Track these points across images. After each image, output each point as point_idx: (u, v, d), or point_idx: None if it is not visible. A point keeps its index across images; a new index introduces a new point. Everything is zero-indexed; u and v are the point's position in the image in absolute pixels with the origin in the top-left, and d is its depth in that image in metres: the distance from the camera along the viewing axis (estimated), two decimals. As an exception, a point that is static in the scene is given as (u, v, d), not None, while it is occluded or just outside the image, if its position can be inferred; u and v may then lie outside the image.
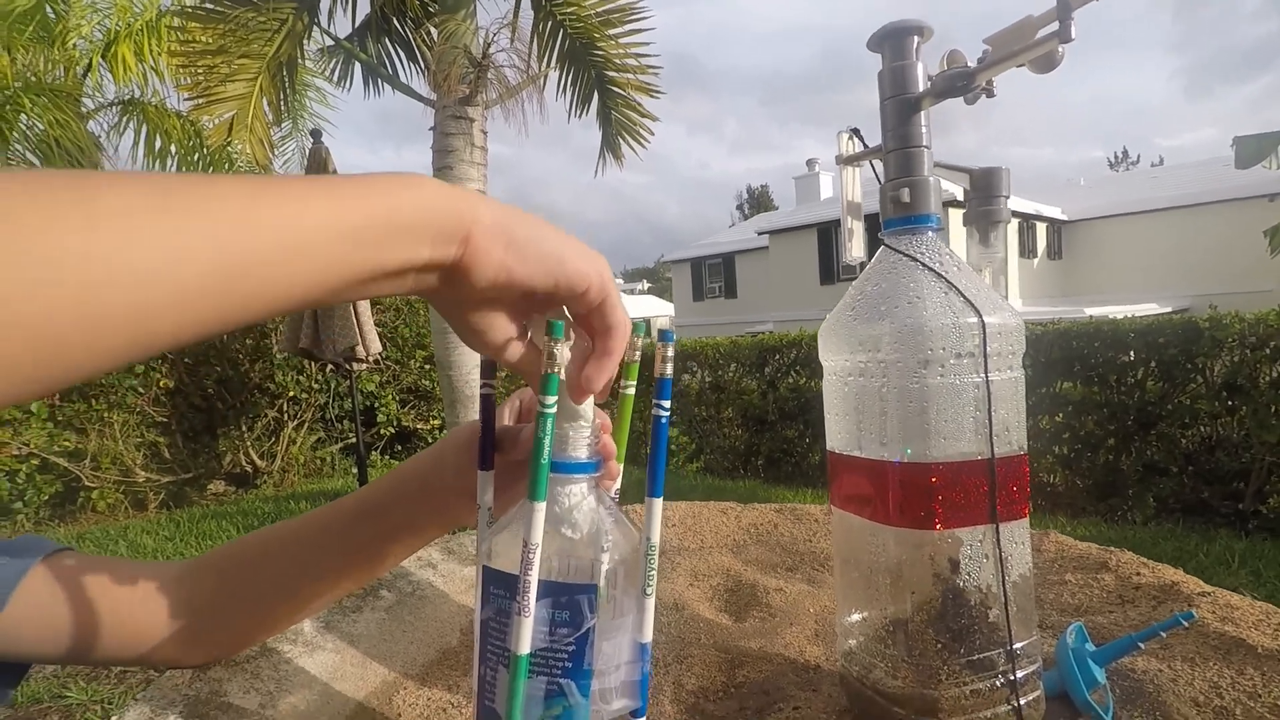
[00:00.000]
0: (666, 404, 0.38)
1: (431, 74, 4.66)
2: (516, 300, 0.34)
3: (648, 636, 0.39)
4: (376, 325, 5.69)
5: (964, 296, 0.44)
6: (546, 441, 0.34)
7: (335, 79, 5.62)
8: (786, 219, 21.54)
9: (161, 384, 5.30)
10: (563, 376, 0.35)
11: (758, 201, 49.40)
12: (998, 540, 0.44)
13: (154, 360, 5.24)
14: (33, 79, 6.23)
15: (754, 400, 6.65)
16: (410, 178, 0.31)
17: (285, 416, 5.94)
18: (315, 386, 6.03)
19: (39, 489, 4.69)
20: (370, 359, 5.15)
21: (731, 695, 0.56)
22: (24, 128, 6.02)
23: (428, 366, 6.67)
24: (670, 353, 0.37)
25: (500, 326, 0.35)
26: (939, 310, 0.44)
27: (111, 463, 5.03)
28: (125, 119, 6.95)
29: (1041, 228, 19.36)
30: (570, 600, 0.36)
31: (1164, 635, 0.49)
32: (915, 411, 0.44)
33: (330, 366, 5.53)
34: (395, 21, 5.32)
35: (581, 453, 0.37)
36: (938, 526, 0.44)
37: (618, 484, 0.42)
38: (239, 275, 0.25)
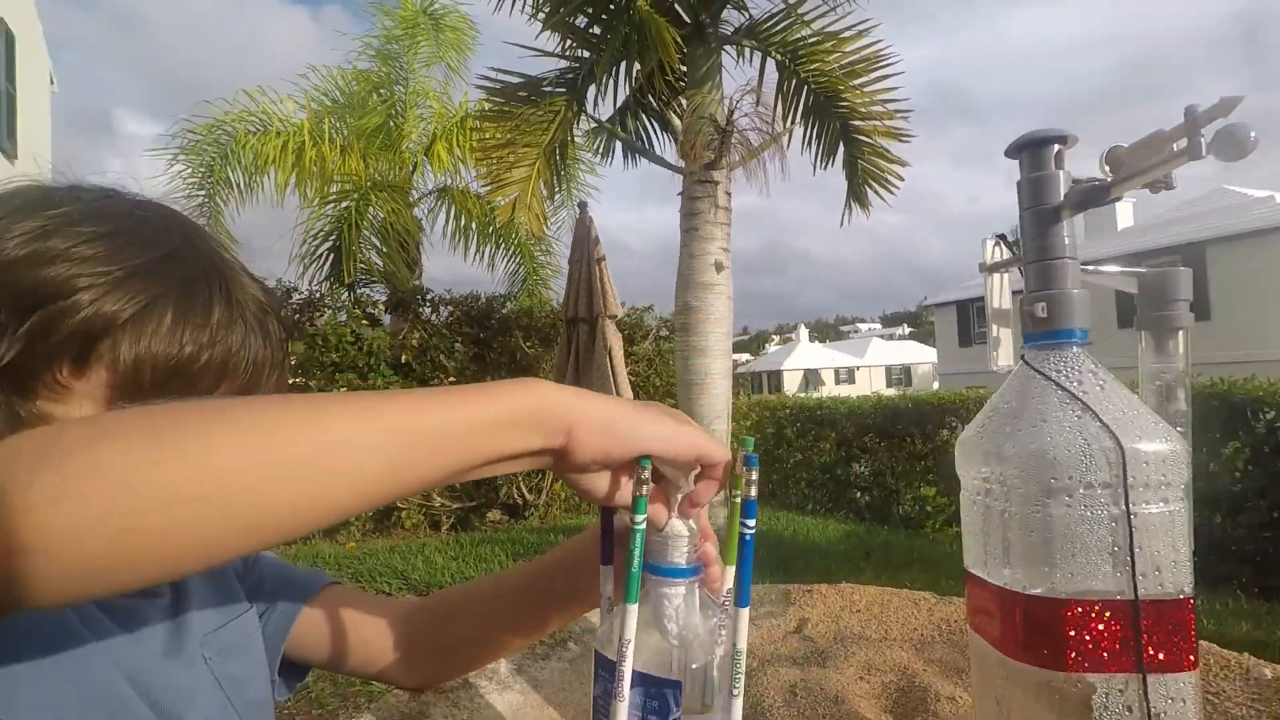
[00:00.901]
0: (751, 523, 0.42)
1: (679, 144, 5.01)
2: (623, 467, 0.42)
3: (737, 732, 0.42)
4: (630, 375, 6.14)
5: (1100, 420, 0.41)
6: (636, 552, 0.40)
7: (599, 155, 6.29)
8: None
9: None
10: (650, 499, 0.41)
11: (1038, 236, 44.19)
12: (1144, 691, 0.40)
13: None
14: (378, 178, 7.86)
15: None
16: (527, 384, 0.40)
17: (551, 456, 6.60)
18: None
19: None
20: (622, 407, 5.56)
21: (871, 806, 0.55)
22: (370, 217, 7.60)
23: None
24: (754, 476, 0.41)
25: (602, 486, 0.43)
26: (1068, 434, 0.42)
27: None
28: (439, 204, 8.44)
29: None
30: (658, 692, 0.41)
31: None
32: (1038, 541, 0.42)
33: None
34: (649, 97, 5.83)
35: (680, 559, 0.42)
36: (1070, 667, 0.41)
37: (728, 585, 0.46)
38: (402, 471, 0.36)
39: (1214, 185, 18.29)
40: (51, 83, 11.12)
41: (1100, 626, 0.40)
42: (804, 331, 48.77)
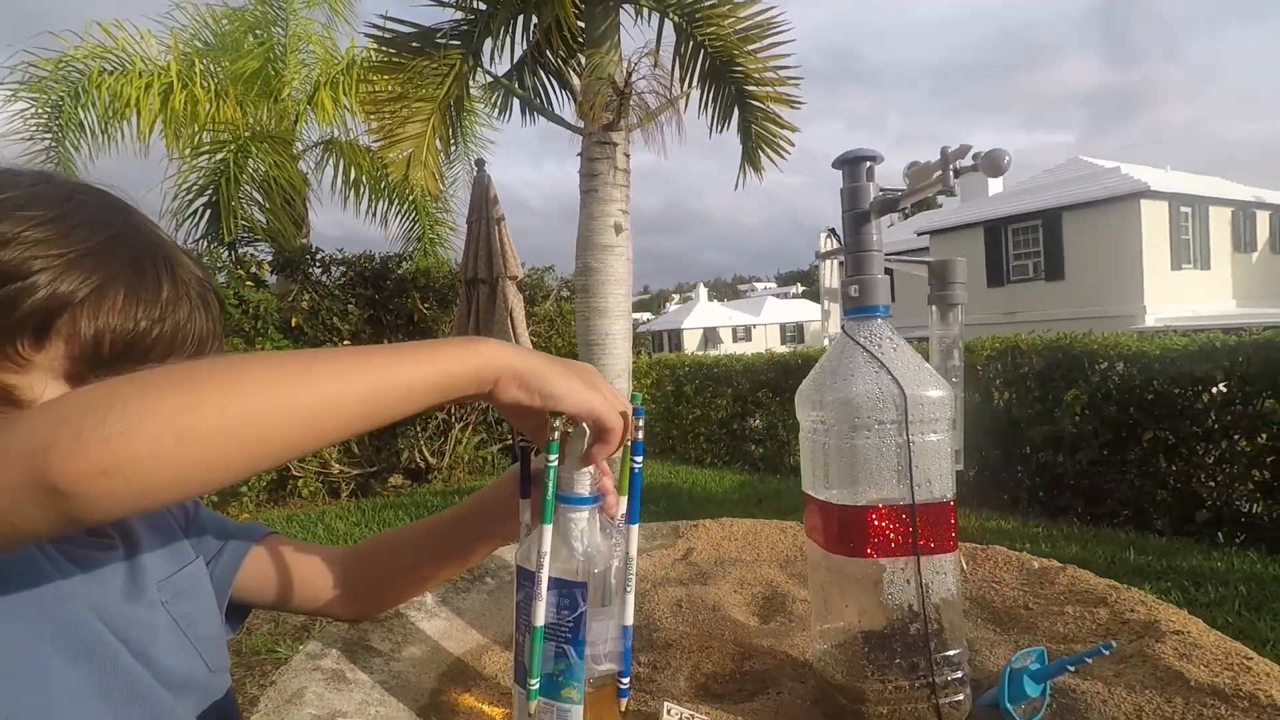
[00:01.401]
0: (639, 459, 0.55)
1: (578, 104, 5.03)
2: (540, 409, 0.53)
3: (629, 620, 0.55)
4: (531, 335, 6.18)
5: (891, 374, 0.56)
6: (550, 484, 0.52)
7: (496, 111, 6.18)
8: (950, 218, 20.34)
9: (352, 388, 6.09)
10: (563, 440, 0.52)
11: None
12: (919, 569, 0.56)
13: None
14: (258, 128, 7.38)
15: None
16: (472, 343, 0.51)
17: (453, 419, 6.60)
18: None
19: (259, 476, 5.58)
20: (524, 367, 5.62)
21: (736, 680, 0.70)
22: (251, 170, 7.15)
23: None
24: (640, 423, 0.53)
25: (523, 422, 0.54)
26: (869, 385, 0.56)
27: (313, 456, 5.86)
28: (326, 156, 8.03)
29: (1264, 217, 16.88)
30: (569, 592, 0.53)
31: (1089, 661, 0.57)
32: (847, 465, 0.56)
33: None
34: (548, 54, 5.76)
35: (583, 490, 0.54)
36: (869, 554, 0.56)
37: (622, 510, 0.58)
38: (374, 410, 0.46)
39: (1071, 156, 19.85)
40: None
41: (889, 525, 0.56)
42: (703, 290, 49.70)
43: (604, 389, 0.54)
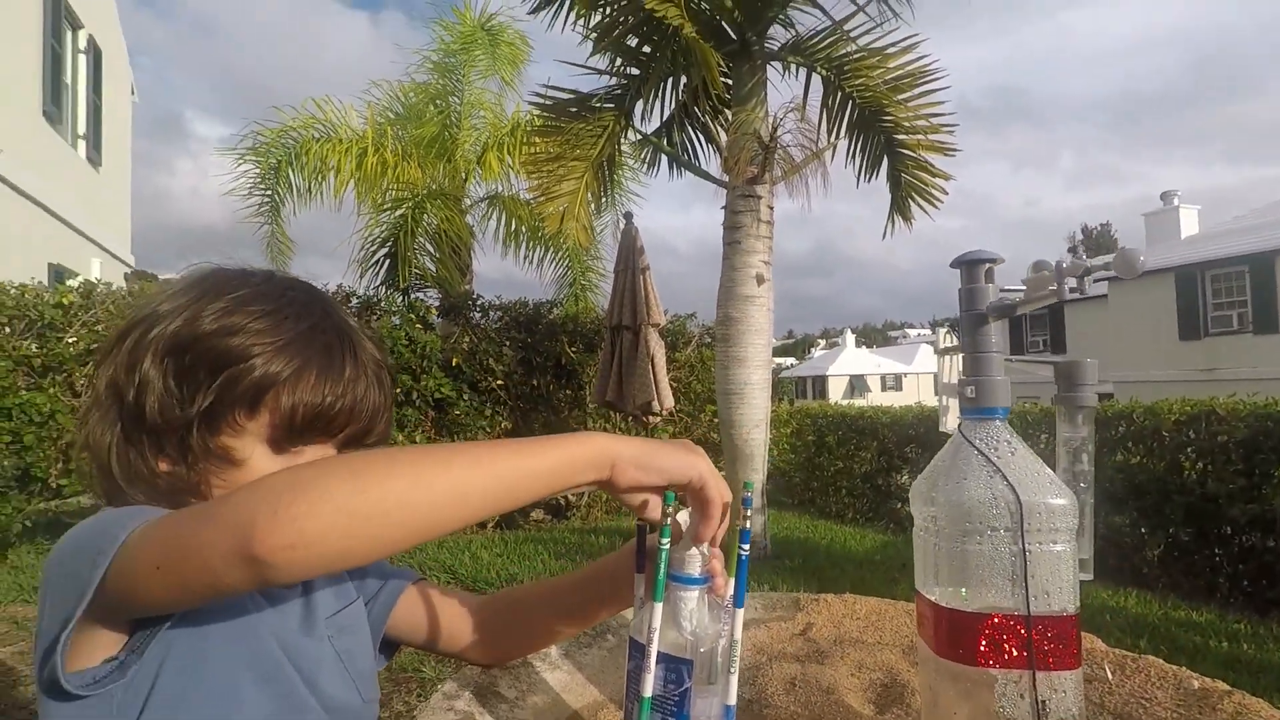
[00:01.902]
0: (746, 546, 0.58)
1: (723, 159, 5.15)
2: (654, 489, 0.58)
3: (732, 700, 0.57)
4: (672, 382, 6.29)
5: (1006, 480, 0.56)
6: (662, 565, 0.56)
7: (645, 167, 6.46)
8: (1132, 263, 18.43)
9: (502, 425, 6.48)
10: (676, 525, 0.56)
11: (1096, 242, 42.93)
12: (1034, 684, 0.54)
13: (498, 405, 6.44)
14: (433, 186, 8.18)
15: (1067, 478, 5.86)
16: (584, 437, 0.56)
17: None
18: (618, 433, 6.83)
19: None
20: (664, 412, 5.74)
21: (844, 771, 0.69)
22: (425, 224, 7.92)
23: (716, 420, 7.13)
24: (749, 511, 0.57)
25: (639, 503, 0.59)
26: (982, 490, 0.56)
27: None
28: (490, 210, 8.73)
29: None
30: (675, 668, 0.56)
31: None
32: (958, 569, 0.56)
33: (630, 417, 6.23)
34: (695, 111, 5.96)
35: (694, 571, 0.58)
36: (980, 664, 0.55)
37: (729, 591, 0.61)
38: (504, 493, 0.53)
39: (1286, 193, 17.47)
40: (133, 93, 11.81)
41: (1003, 634, 0.55)
42: (850, 336, 48.13)
43: (708, 462, 0.59)
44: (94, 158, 9.72)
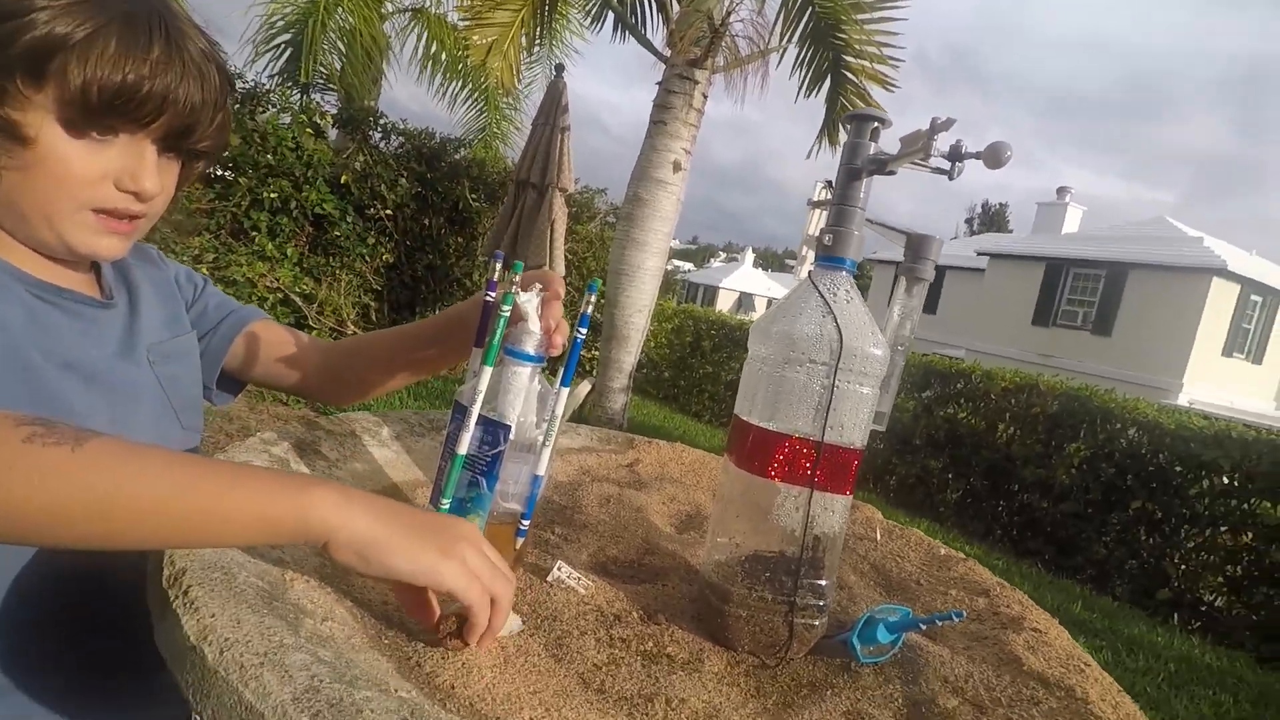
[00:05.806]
0: (584, 330, 0.59)
1: (669, 33, 4.92)
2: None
3: (542, 471, 0.61)
4: (567, 254, 6.21)
5: (835, 321, 0.60)
6: (498, 332, 0.57)
7: (589, 19, 6.06)
8: (1015, 244, 19.80)
9: (384, 257, 6.19)
10: (519, 299, 0.57)
11: (991, 219, 45.44)
12: (809, 500, 0.60)
13: (383, 236, 6.13)
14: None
15: (904, 420, 6.45)
16: (309, 488, 0.45)
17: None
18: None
19: (277, 318, 5.73)
20: (552, 280, 5.68)
21: (632, 568, 0.76)
22: (339, 20, 7.10)
23: (602, 301, 7.16)
24: (593, 298, 0.58)
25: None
26: (812, 327, 0.60)
27: (332, 312, 6.00)
28: (412, 24, 7.95)
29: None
30: (493, 430, 0.58)
31: (939, 624, 0.63)
32: (773, 393, 0.61)
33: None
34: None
35: (529, 349, 0.59)
36: (770, 475, 0.61)
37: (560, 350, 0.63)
38: (167, 532, 0.43)
39: (1160, 215, 19.12)
40: None
41: (796, 454, 0.60)
42: (750, 255, 49.09)
43: (469, 557, 0.48)
44: None
